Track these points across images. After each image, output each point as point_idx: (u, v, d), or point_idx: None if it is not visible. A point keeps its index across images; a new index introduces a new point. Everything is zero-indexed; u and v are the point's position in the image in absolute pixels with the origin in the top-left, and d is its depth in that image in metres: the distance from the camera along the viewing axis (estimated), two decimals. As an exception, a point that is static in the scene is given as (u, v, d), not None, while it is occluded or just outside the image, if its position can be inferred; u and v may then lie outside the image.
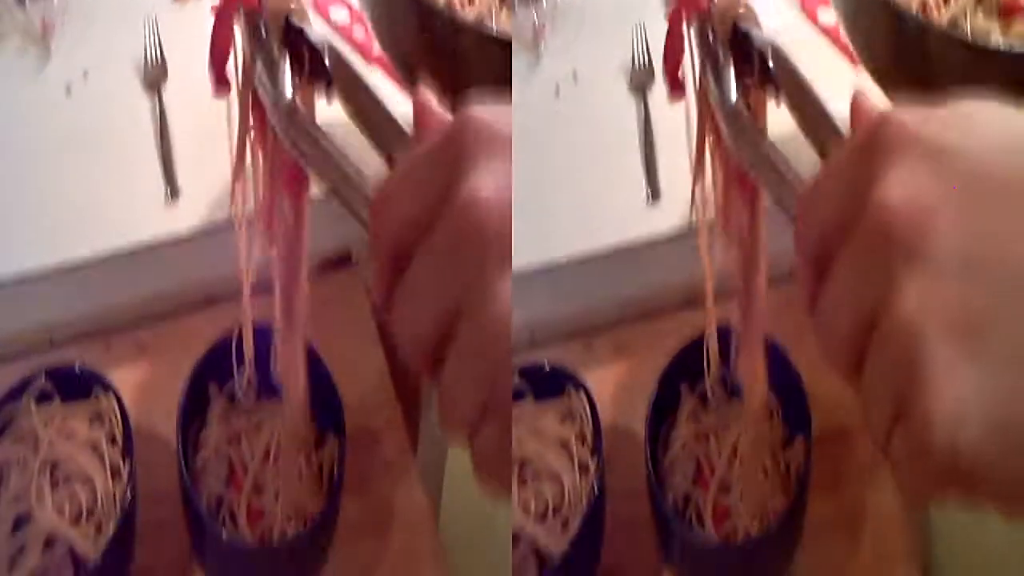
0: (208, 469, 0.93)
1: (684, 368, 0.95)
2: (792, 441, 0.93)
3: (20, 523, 0.88)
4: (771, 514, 0.89)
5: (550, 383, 0.96)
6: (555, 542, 0.89)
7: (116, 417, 0.92)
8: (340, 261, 1.03)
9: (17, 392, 0.92)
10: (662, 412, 0.95)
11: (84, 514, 0.88)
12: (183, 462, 0.90)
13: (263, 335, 0.91)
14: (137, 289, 0.98)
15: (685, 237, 0.96)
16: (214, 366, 0.93)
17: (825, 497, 0.97)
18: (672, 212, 0.97)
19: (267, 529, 0.91)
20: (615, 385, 1.01)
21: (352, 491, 0.95)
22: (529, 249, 0.96)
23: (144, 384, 0.98)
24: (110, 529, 0.88)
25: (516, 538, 0.90)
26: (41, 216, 0.95)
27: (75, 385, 0.93)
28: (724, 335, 0.93)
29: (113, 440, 0.92)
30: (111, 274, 0.96)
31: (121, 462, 0.91)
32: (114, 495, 0.89)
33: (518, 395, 0.95)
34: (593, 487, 0.90)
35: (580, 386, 0.95)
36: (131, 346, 0.99)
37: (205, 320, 0.99)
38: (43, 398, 0.92)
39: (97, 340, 0.98)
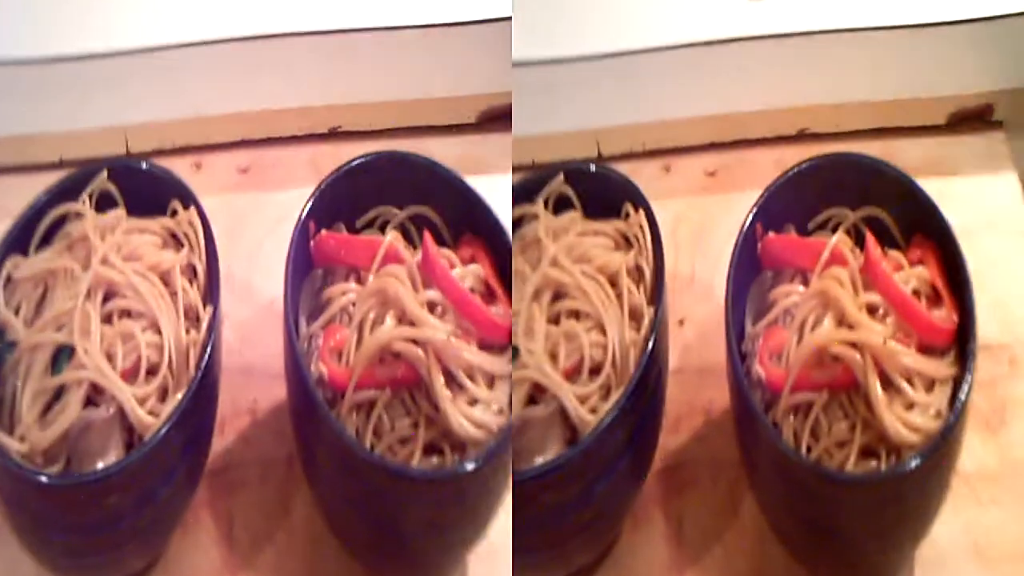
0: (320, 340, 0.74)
1: (786, 207, 0.77)
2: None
3: (60, 358, 0.70)
4: (911, 445, 0.70)
5: (603, 196, 0.78)
6: (590, 412, 0.70)
7: (198, 242, 0.75)
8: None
9: (71, 188, 0.75)
10: (752, 264, 0.77)
11: (143, 369, 0.70)
12: (292, 329, 0.71)
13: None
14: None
15: (789, 40, 0.86)
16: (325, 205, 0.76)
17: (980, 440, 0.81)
18: (775, 11, 0.88)
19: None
20: (693, 220, 0.87)
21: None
22: (605, 35, 0.86)
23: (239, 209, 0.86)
24: (178, 398, 0.70)
25: (541, 391, 0.71)
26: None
27: (145, 192, 0.76)
28: (844, 165, 0.77)
29: (192, 274, 0.75)
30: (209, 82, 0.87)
31: (201, 306, 0.73)
32: (187, 351, 0.72)
33: (562, 204, 0.78)
34: (646, 346, 0.71)
35: (641, 205, 0.76)
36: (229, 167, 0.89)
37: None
38: (103, 204, 0.75)
39: (187, 156, 0.88)
